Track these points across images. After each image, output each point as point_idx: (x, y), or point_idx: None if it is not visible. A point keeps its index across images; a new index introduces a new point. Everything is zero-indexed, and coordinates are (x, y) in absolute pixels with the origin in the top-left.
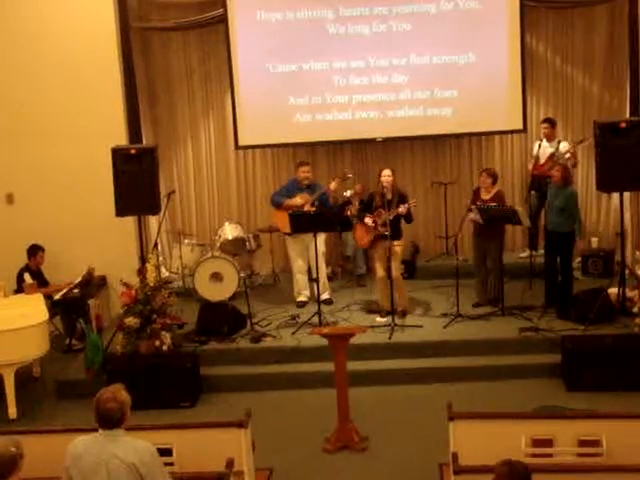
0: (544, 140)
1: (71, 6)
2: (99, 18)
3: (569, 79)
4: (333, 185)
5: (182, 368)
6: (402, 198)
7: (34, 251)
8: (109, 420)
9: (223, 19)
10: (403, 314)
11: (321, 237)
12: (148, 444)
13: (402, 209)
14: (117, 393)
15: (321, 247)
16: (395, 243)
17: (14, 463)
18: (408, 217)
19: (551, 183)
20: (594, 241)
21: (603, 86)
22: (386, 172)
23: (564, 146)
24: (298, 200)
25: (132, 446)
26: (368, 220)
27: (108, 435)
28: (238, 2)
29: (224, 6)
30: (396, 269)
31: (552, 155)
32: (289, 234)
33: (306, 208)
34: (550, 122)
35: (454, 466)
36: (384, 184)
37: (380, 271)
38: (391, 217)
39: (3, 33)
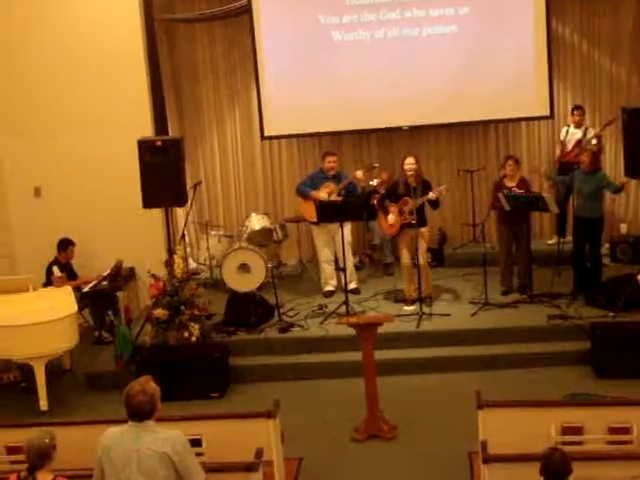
0: (572, 126)
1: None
2: (124, 10)
3: (596, 64)
4: (359, 174)
5: (211, 359)
6: (426, 185)
7: (65, 245)
8: (140, 413)
9: (248, 9)
10: (429, 301)
11: (347, 227)
12: (179, 433)
13: (432, 194)
14: (146, 385)
15: (348, 237)
16: (421, 230)
17: (48, 454)
18: (436, 203)
19: (579, 169)
20: (623, 227)
21: (630, 71)
22: (409, 160)
23: (591, 132)
24: (323, 194)
25: (163, 436)
26: (391, 217)
27: (139, 426)
28: None
29: None
30: (423, 256)
31: (579, 141)
32: (315, 223)
33: (332, 198)
34: (582, 109)
35: (483, 454)
36: (408, 172)
37: (406, 259)
38: (417, 205)
39: (30, 27)
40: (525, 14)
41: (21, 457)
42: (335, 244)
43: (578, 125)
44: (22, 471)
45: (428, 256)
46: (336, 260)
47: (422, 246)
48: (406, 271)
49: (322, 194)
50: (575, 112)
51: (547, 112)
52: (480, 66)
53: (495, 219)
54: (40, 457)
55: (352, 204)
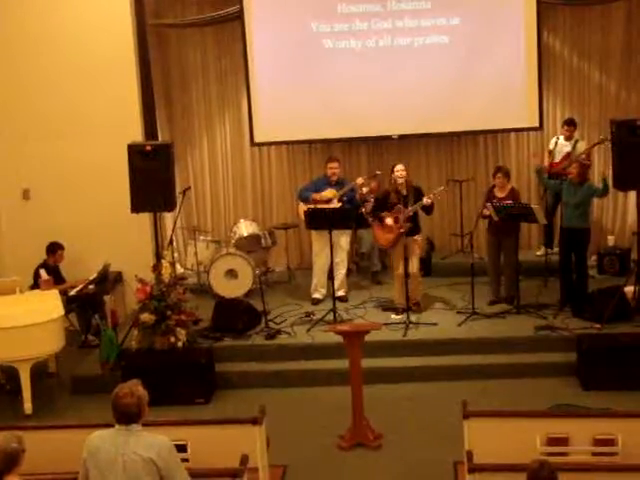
0: (561, 138)
1: (87, 3)
2: (115, 15)
3: (586, 76)
4: (360, 181)
5: (197, 364)
6: (418, 192)
7: (54, 249)
8: (126, 415)
9: (239, 16)
10: (417, 305)
11: (346, 235)
12: (165, 439)
13: (427, 200)
14: (134, 388)
15: (346, 245)
16: (414, 238)
17: (16, 458)
18: (430, 208)
19: (567, 180)
20: (610, 239)
21: (620, 84)
22: (399, 167)
23: (581, 145)
24: (326, 194)
25: (149, 441)
26: (389, 220)
27: (125, 430)
28: None
29: (240, 3)
30: (414, 265)
31: (568, 154)
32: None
33: (333, 203)
34: (574, 124)
35: (469, 464)
36: (398, 180)
37: (399, 268)
38: (411, 213)
39: (20, 32)
40: (516, 26)
41: None
42: (332, 250)
43: (568, 138)
44: None
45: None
46: (331, 267)
47: (415, 254)
48: (398, 280)
49: (325, 194)
50: (566, 127)
51: (536, 123)
52: (470, 76)
53: (484, 229)
54: (7, 462)
55: (340, 212)
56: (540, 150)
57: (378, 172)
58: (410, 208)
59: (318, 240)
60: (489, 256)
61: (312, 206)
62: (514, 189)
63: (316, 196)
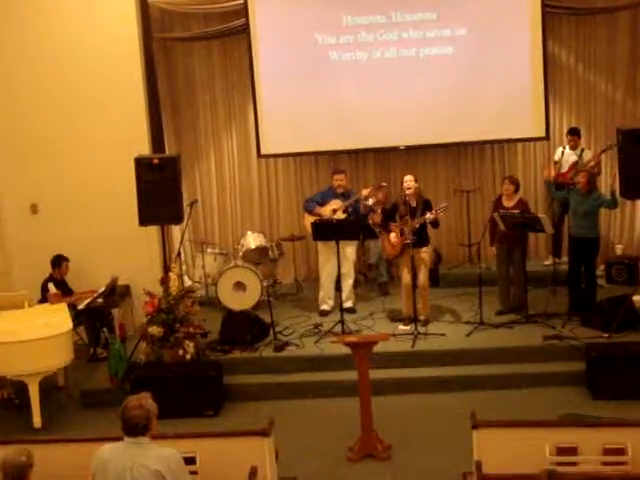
0: (567, 147)
1: (94, 17)
2: (122, 29)
3: (592, 86)
4: (365, 192)
5: (205, 377)
6: (427, 204)
7: (59, 261)
8: (135, 427)
9: (245, 29)
10: (426, 323)
11: (352, 245)
12: (174, 451)
13: (430, 215)
14: (143, 401)
15: (352, 255)
16: (422, 250)
17: (24, 472)
18: (435, 223)
19: (574, 190)
20: (618, 248)
21: (626, 93)
22: (408, 178)
23: (587, 154)
24: (328, 210)
25: (158, 453)
26: (393, 237)
27: (133, 443)
28: (260, 12)
29: (246, 16)
30: (424, 277)
31: (575, 163)
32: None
33: (338, 214)
34: (577, 134)
35: (478, 475)
36: (407, 191)
37: (406, 278)
38: (417, 225)
39: (26, 44)
40: (521, 36)
41: None
42: (339, 261)
43: (573, 148)
44: None
45: None
46: (338, 278)
47: (423, 267)
48: (405, 291)
49: (327, 210)
50: (570, 137)
51: (543, 133)
52: (477, 87)
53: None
54: (16, 475)
55: (347, 223)
56: (547, 162)
57: (384, 184)
58: (415, 221)
59: (324, 251)
60: (498, 266)
61: (318, 218)
62: (522, 199)
63: (319, 210)
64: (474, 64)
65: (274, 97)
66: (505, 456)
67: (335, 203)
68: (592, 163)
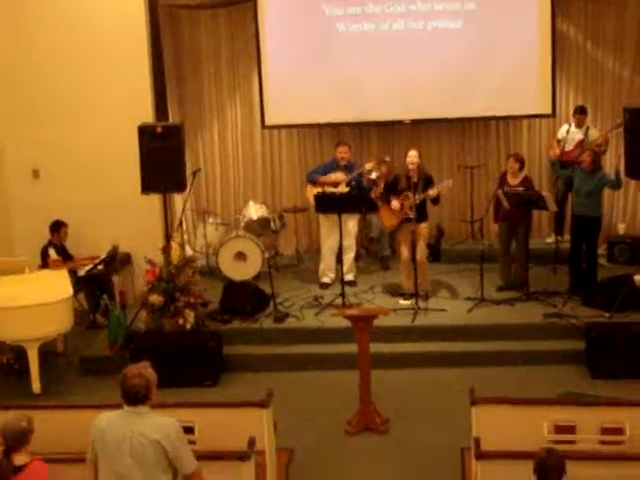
0: (573, 125)
1: None
2: None
3: (599, 64)
4: (368, 166)
5: (205, 347)
6: (428, 180)
7: (57, 227)
8: (134, 396)
9: None
10: (426, 297)
11: (354, 219)
12: (173, 420)
13: (432, 192)
14: (143, 370)
15: (353, 228)
16: (421, 226)
17: (24, 437)
18: (436, 199)
19: (579, 168)
20: (621, 228)
21: (634, 71)
22: (412, 153)
23: (593, 132)
24: (332, 177)
25: (156, 422)
26: (395, 203)
27: (133, 411)
28: None
29: None
30: (421, 252)
31: (581, 142)
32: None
33: (341, 187)
34: (585, 112)
35: (476, 451)
36: (410, 166)
37: (405, 253)
38: (418, 201)
39: (31, 13)
40: (530, 12)
41: None
42: (340, 234)
43: (578, 126)
44: None
45: (425, 251)
46: (340, 251)
47: (421, 242)
48: (404, 265)
49: (332, 177)
50: (577, 115)
51: (549, 110)
52: (483, 62)
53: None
54: (16, 440)
55: (350, 196)
56: (552, 140)
57: (387, 158)
58: (416, 197)
59: (325, 224)
60: (500, 243)
61: (321, 190)
62: (527, 177)
63: (324, 178)
64: (482, 39)
65: (279, 68)
66: (503, 433)
67: (338, 176)
68: (599, 141)
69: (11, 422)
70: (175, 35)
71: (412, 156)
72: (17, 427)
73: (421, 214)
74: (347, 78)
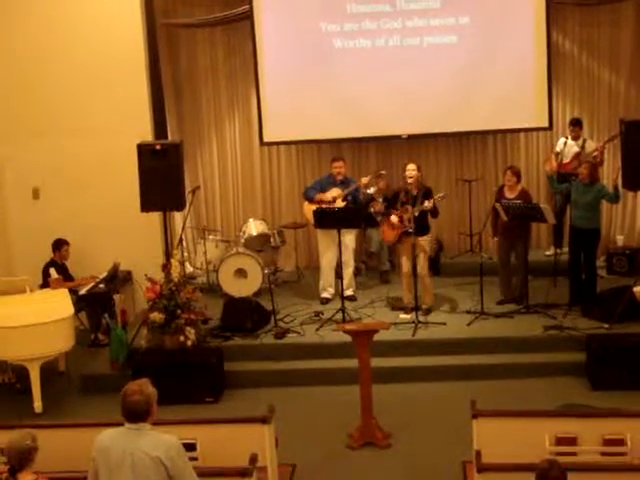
0: (569, 138)
1: (98, 2)
2: (125, 14)
3: (595, 76)
4: (364, 180)
5: (206, 363)
6: (427, 193)
7: (59, 245)
8: (135, 413)
9: (249, 15)
10: (427, 312)
11: (352, 234)
12: (174, 438)
13: (427, 204)
14: (143, 386)
15: (351, 243)
16: (421, 239)
17: (29, 456)
18: (434, 212)
19: (576, 181)
20: (619, 239)
21: (630, 83)
22: (411, 167)
23: (590, 145)
24: (329, 195)
25: (158, 440)
26: (394, 217)
27: (134, 429)
28: None
29: (250, 3)
30: (423, 265)
31: (578, 154)
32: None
33: (338, 203)
34: (579, 124)
35: (477, 464)
36: (408, 179)
37: (406, 267)
38: (416, 213)
39: (30, 30)
40: (525, 25)
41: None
42: (338, 249)
43: (575, 138)
44: (3, 472)
45: None
46: (340, 266)
47: (422, 255)
48: (406, 279)
49: (329, 195)
50: (572, 127)
51: (546, 123)
52: (480, 76)
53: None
54: (21, 458)
55: (349, 211)
56: (549, 153)
57: (383, 172)
58: (415, 208)
59: (323, 240)
60: (500, 256)
61: (319, 206)
62: (524, 190)
63: (321, 196)
64: (477, 53)
65: (277, 85)
66: (505, 446)
67: (335, 191)
68: (595, 153)
69: (16, 441)
70: (173, 54)
71: (410, 169)
72: (22, 446)
73: (422, 227)
74: (344, 94)
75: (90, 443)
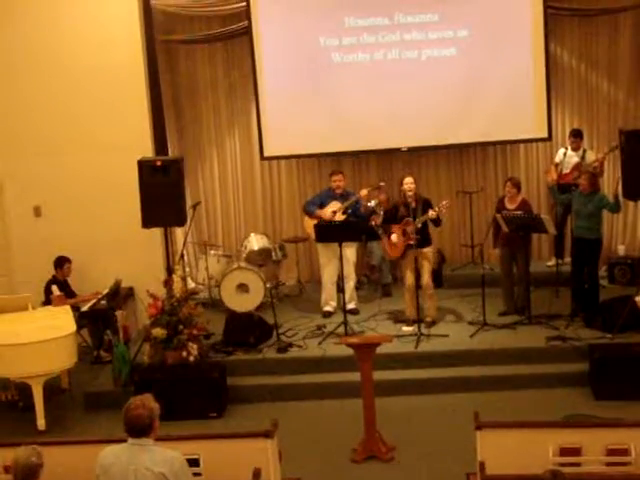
0: (569, 149)
1: (97, 19)
2: (125, 31)
3: (594, 87)
4: (364, 192)
5: (209, 378)
6: (427, 204)
7: (61, 262)
8: (138, 428)
9: (248, 31)
10: (431, 324)
11: (352, 247)
12: (177, 454)
13: (432, 213)
14: (146, 401)
15: (352, 256)
16: (424, 250)
17: (35, 473)
18: (437, 221)
19: (577, 191)
20: (621, 249)
21: (628, 93)
22: (408, 180)
23: (590, 155)
24: (328, 212)
25: (161, 455)
26: (394, 238)
27: (137, 444)
28: (262, 14)
29: (248, 18)
30: (427, 277)
31: (578, 165)
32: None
33: (337, 216)
34: (580, 135)
35: (481, 476)
36: (407, 192)
37: (409, 280)
38: (419, 225)
39: (30, 47)
40: (523, 37)
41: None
42: (339, 262)
43: (575, 149)
44: None
45: None
46: (339, 279)
47: (426, 267)
48: (409, 292)
49: (327, 212)
50: (572, 138)
51: (545, 134)
52: (479, 88)
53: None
54: (26, 475)
55: (350, 225)
56: (549, 164)
57: (381, 183)
58: (417, 220)
59: (324, 253)
60: (502, 267)
61: (320, 220)
62: (525, 200)
63: (320, 213)
64: (476, 65)
65: (277, 99)
66: (508, 457)
67: (334, 205)
68: (596, 164)
69: (21, 458)
70: (173, 70)
71: (409, 183)
72: (27, 462)
73: (424, 238)
74: (344, 107)
75: (94, 460)
